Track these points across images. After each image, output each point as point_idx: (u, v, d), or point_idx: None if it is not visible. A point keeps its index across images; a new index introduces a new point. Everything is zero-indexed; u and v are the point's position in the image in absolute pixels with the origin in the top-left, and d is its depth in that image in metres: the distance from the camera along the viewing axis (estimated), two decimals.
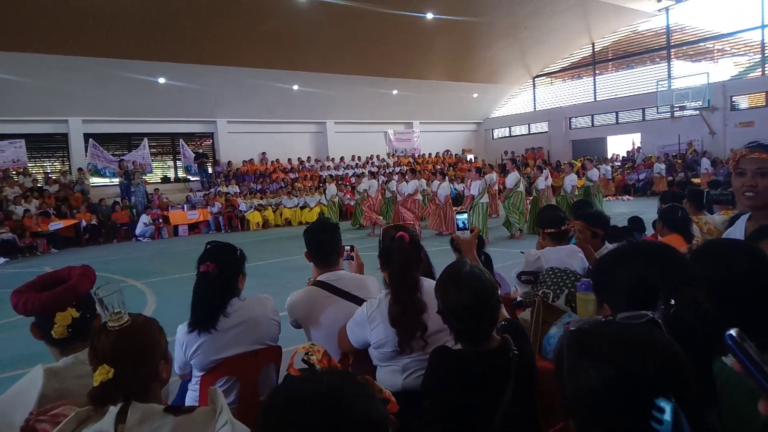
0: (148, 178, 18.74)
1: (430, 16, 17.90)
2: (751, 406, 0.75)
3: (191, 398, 2.34)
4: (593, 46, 24.51)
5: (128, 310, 1.47)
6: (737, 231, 2.28)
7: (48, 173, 18.12)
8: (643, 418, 0.79)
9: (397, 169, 21.93)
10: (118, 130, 19.12)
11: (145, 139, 18.71)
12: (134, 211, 16.80)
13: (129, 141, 19.52)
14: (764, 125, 17.93)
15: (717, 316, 1.38)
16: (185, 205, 17.55)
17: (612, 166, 21.88)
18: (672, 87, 20.40)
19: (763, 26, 19.39)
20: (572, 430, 0.90)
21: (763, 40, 19.60)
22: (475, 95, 26.21)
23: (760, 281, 1.44)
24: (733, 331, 0.68)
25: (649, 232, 4.48)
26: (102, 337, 1.39)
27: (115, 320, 1.41)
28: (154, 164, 19.79)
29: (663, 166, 19.64)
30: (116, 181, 17.89)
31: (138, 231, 15.96)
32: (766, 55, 19.60)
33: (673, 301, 1.11)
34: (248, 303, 2.39)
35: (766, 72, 19.48)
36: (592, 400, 0.84)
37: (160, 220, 16.45)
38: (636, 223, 4.68)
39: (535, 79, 27.23)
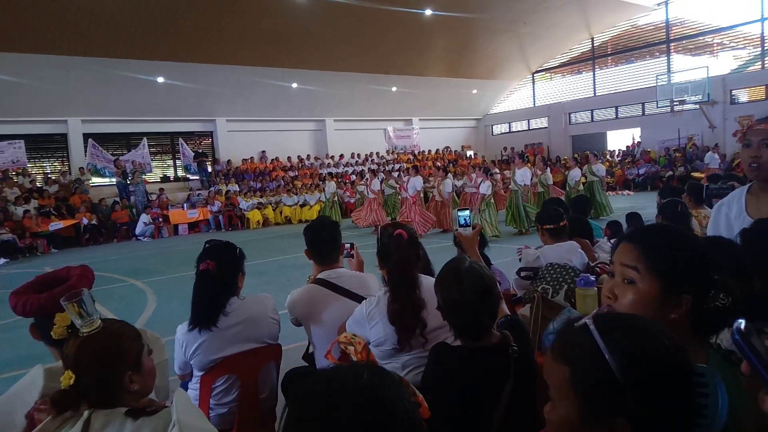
0: (147, 177, 18.75)
1: (428, 12, 17.86)
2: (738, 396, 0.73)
3: (192, 398, 2.34)
4: (592, 41, 24.46)
5: (97, 315, 1.45)
6: (734, 201, 2.26)
7: (47, 173, 18.11)
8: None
9: (397, 166, 21.93)
10: (118, 130, 19.10)
11: (145, 139, 18.71)
12: (134, 210, 16.81)
13: (128, 140, 19.50)
14: None
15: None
16: (185, 204, 17.56)
17: (610, 162, 21.89)
18: (672, 81, 20.34)
19: (762, 19, 19.34)
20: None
21: (762, 33, 19.55)
22: (475, 91, 26.18)
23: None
24: (741, 324, 0.64)
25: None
26: (70, 343, 1.40)
27: (88, 326, 1.39)
28: (154, 163, 19.78)
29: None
30: (115, 180, 17.90)
31: (138, 230, 15.97)
32: (765, 48, 19.55)
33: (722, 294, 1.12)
34: (247, 302, 2.40)
35: (765, 65, 19.44)
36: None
37: (160, 220, 16.45)
38: (634, 219, 4.63)
39: (535, 75, 27.18)
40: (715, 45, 22.29)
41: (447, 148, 26.62)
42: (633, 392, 0.79)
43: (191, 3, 14.76)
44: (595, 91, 24.63)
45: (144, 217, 16.11)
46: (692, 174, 17.51)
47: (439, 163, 22.55)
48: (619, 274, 1.16)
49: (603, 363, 0.81)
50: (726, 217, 2.25)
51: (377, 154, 23.96)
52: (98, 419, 1.31)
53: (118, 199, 16.95)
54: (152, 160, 19.38)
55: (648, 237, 1.16)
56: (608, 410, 0.81)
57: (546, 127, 26.17)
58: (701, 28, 21.77)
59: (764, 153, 2.05)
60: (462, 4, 17.90)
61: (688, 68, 20.47)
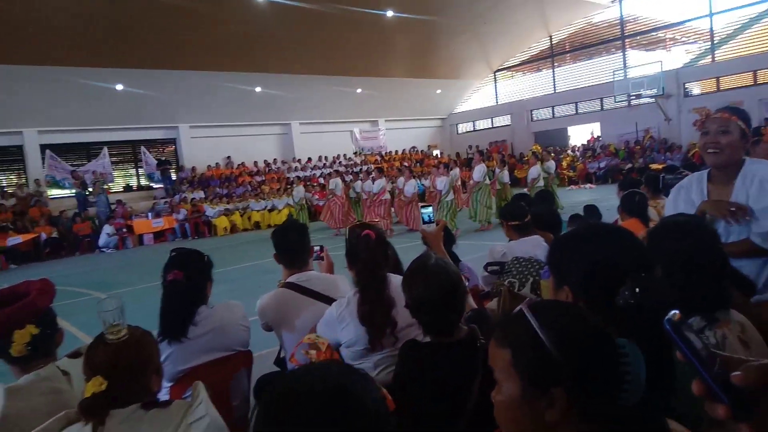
0: (110, 187, 18.29)
1: (390, 13, 17.95)
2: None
3: None
4: (551, 39, 24.96)
5: (125, 324, 1.51)
6: (693, 185, 2.35)
7: (3, 187, 17.47)
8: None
9: (365, 167, 21.96)
10: (77, 140, 18.54)
11: (105, 148, 18.25)
12: (97, 221, 16.36)
13: (88, 150, 18.96)
14: None
15: (674, 294, 1.44)
16: (150, 213, 17.18)
17: (572, 156, 22.46)
18: (628, 76, 20.92)
19: (711, 14, 20.07)
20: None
21: (711, 27, 20.28)
22: (438, 91, 26.40)
23: (712, 256, 1.52)
24: (671, 315, 0.67)
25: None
26: (99, 350, 1.42)
27: (114, 333, 1.44)
28: (116, 173, 19.32)
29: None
30: (74, 192, 17.39)
31: (101, 242, 15.55)
32: (715, 42, 20.30)
33: (638, 288, 1.12)
34: (216, 310, 2.38)
35: (715, 59, 20.18)
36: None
37: (124, 230, 16.06)
38: (591, 211, 4.71)
39: (496, 74, 27.58)
40: (667, 40, 23.07)
41: (413, 148, 26.78)
42: (567, 365, 0.90)
43: (148, 9, 14.44)
44: (555, 87, 25.13)
45: (107, 228, 15.70)
46: (650, 165, 18.02)
47: (406, 163, 22.67)
48: None
49: (539, 342, 0.91)
50: (686, 201, 2.34)
51: (344, 156, 23.93)
52: (116, 416, 1.35)
53: (78, 210, 16.48)
54: (114, 169, 18.92)
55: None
56: (546, 384, 0.91)
57: (509, 125, 26.58)
58: (653, 24, 22.46)
59: (722, 139, 2.16)
60: (422, 5, 18.03)
61: (643, 63, 21.10)
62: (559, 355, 0.90)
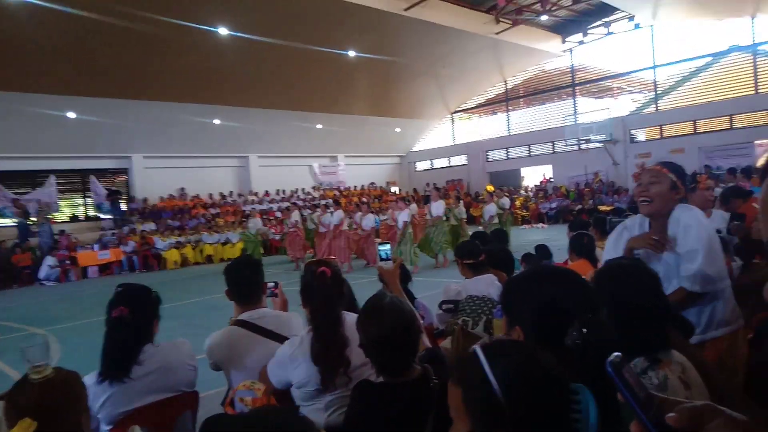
0: (56, 217, 17.55)
1: (352, 53, 18.29)
2: None
3: None
4: (506, 84, 25.97)
5: (50, 362, 1.43)
6: (636, 227, 2.45)
7: None
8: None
9: (323, 202, 21.92)
10: (22, 167, 17.81)
11: (52, 176, 17.57)
12: (38, 252, 15.60)
13: (34, 178, 18.22)
14: (660, 156, 19.58)
15: (618, 333, 1.47)
16: (96, 245, 16.52)
17: (524, 197, 23.14)
18: (578, 122, 21.90)
19: (654, 66, 21.38)
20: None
21: (654, 79, 21.60)
22: (398, 130, 26.88)
23: (652, 298, 1.58)
24: (613, 357, 0.69)
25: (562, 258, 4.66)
26: (25, 390, 1.36)
27: (38, 372, 1.38)
28: (62, 202, 18.60)
29: None
30: (16, 221, 16.58)
31: (42, 274, 14.79)
32: (658, 92, 21.57)
33: (585, 329, 1.14)
34: (162, 349, 2.28)
35: (658, 108, 21.40)
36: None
37: (67, 262, 15.35)
38: (542, 250, 4.84)
39: (454, 115, 28.39)
40: (615, 89, 24.39)
41: (372, 184, 26.99)
42: (512, 410, 0.89)
43: (107, 37, 14.22)
44: (509, 130, 26.03)
45: (49, 260, 14.97)
46: (599, 207, 18.69)
47: (365, 199, 22.75)
48: None
49: (488, 385, 0.91)
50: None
51: (303, 190, 23.85)
52: None
53: (18, 240, 15.68)
54: (61, 198, 18.21)
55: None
56: (492, 426, 0.90)
57: (465, 164, 27.24)
58: (602, 73, 23.76)
59: (652, 188, 2.28)
60: (384, 47, 18.49)
61: (592, 110, 22.17)
62: (505, 400, 0.90)
